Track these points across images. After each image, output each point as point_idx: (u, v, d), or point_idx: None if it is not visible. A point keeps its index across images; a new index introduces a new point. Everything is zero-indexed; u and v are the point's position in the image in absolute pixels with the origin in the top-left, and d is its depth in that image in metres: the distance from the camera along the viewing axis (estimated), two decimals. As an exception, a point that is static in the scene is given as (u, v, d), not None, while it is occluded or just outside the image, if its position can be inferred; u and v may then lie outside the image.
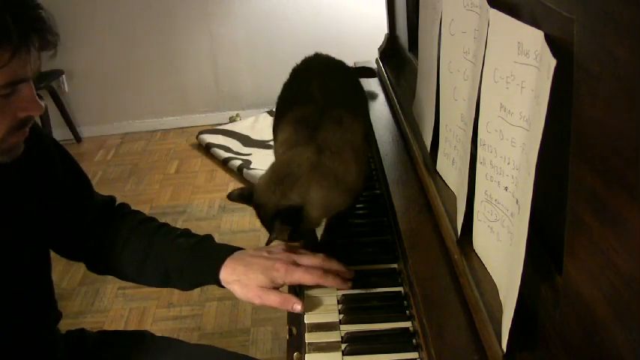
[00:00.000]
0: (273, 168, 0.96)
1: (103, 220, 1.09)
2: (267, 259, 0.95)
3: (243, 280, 0.94)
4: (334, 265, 0.95)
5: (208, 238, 1.05)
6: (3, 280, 0.93)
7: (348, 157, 0.96)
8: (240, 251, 0.99)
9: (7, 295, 0.94)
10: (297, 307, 0.92)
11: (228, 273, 0.96)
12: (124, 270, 1.08)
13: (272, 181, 0.94)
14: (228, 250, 0.99)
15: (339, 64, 1.18)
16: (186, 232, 1.07)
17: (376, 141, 1.24)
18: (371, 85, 1.56)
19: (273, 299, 0.93)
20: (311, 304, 0.94)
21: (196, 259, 1.00)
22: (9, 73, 0.78)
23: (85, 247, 1.09)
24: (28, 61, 0.81)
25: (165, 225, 1.09)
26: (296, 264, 0.94)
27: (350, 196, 0.98)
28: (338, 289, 0.97)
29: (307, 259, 0.95)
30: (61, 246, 1.09)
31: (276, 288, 0.94)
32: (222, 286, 0.98)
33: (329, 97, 1.03)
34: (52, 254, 1.06)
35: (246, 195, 0.98)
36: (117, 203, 1.15)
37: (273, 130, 1.11)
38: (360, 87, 1.17)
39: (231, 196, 1.00)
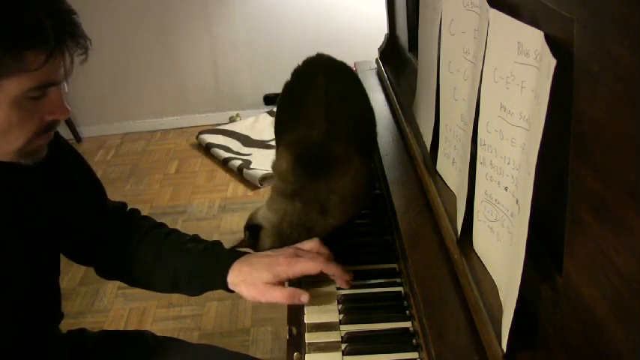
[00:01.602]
0: (274, 236, 1.00)
1: (114, 225, 1.09)
2: (271, 256, 0.96)
3: (249, 280, 0.94)
4: (323, 249, 0.96)
5: (217, 243, 1.05)
6: (12, 280, 0.93)
7: (335, 209, 0.97)
8: (246, 255, 1.00)
9: (15, 295, 0.94)
10: (304, 298, 0.92)
11: (235, 275, 0.96)
12: (134, 275, 1.08)
13: (278, 247, 0.99)
14: (235, 255, 1.00)
15: (342, 68, 1.16)
16: (196, 238, 1.07)
17: (377, 141, 1.24)
18: (371, 85, 1.56)
19: (276, 295, 0.92)
20: (311, 304, 0.94)
21: (205, 264, 1.01)
22: (42, 76, 0.79)
23: (96, 252, 1.09)
24: (61, 65, 0.82)
25: (175, 231, 1.10)
26: (298, 256, 0.94)
27: (332, 230, 1.00)
28: (338, 289, 0.97)
29: (307, 246, 0.96)
30: (72, 250, 1.09)
31: (282, 284, 0.94)
32: (231, 290, 0.98)
33: (332, 121, 1.00)
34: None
35: (247, 244, 1.04)
36: (128, 209, 1.15)
37: (276, 134, 1.11)
38: (364, 92, 1.15)
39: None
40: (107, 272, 1.12)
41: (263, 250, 1.01)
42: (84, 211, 1.05)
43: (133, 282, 1.10)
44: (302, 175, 0.98)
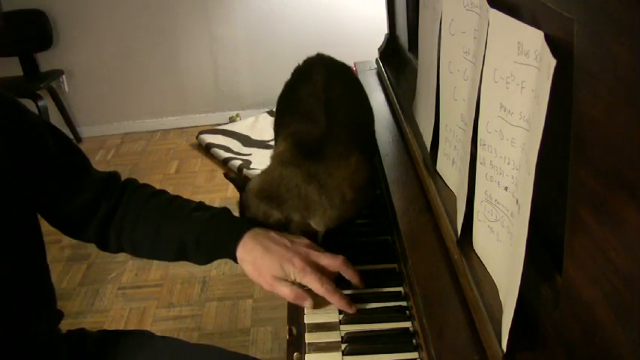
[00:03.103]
0: (264, 180, 0.98)
1: (106, 196, 1.07)
2: (287, 249, 0.93)
3: (258, 264, 0.93)
4: (350, 271, 0.94)
5: (225, 211, 1.03)
6: None
7: (334, 195, 0.96)
8: (261, 230, 0.97)
9: (2, 288, 0.93)
10: (307, 304, 0.91)
11: (246, 251, 0.94)
12: (137, 247, 1.06)
13: (261, 194, 0.97)
14: (246, 226, 0.97)
15: (342, 68, 1.15)
16: (201, 206, 1.05)
17: (376, 141, 1.24)
18: (371, 85, 1.56)
19: (284, 291, 0.91)
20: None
21: (213, 234, 0.99)
22: None
23: (91, 225, 1.07)
24: None
25: (178, 197, 1.08)
26: (313, 264, 0.92)
27: (332, 222, 0.99)
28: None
29: (327, 260, 0.93)
30: (66, 226, 1.08)
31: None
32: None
33: (332, 117, 1.00)
34: (54, 253, 1.05)
35: (239, 184, 1.03)
36: (124, 179, 1.13)
37: (274, 131, 1.11)
38: (364, 94, 1.15)
39: (227, 177, 1.06)
40: (109, 246, 1.10)
41: (248, 191, 0.98)
42: (65, 179, 1.03)
43: (137, 253, 1.08)
44: (300, 157, 0.97)
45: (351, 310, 0.91)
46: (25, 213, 0.98)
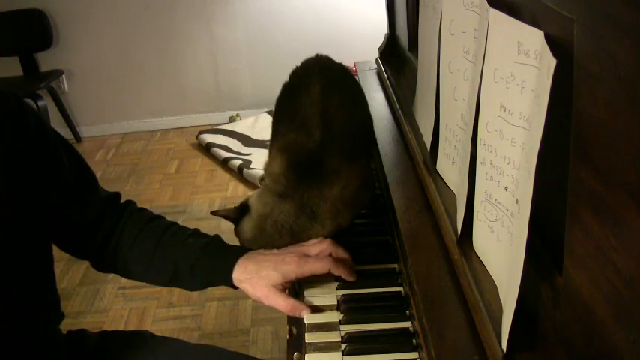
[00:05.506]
0: (257, 223, 0.99)
1: (108, 216, 1.08)
2: (277, 255, 0.96)
3: (254, 279, 0.94)
4: (341, 252, 0.97)
5: (218, 238, 1.05)
6: (2, 274, 0.92)
7: (326, 217, 0.97)
8: (251, 251, 1.00)
9: (7, 291, 0.93)
10: (305, 313, 0.92)
11: (240, 272, 0.96)
12: (131, 268, 1.07)
13: (255, 238, 1.00)
14: (240, 251, 1.00)
15: (339, 71, 1.13)
16: (196, 232, 1.07)
17: (376, 141, 1.24)
18: (371, 85, 1.56)
19: (280, 303, 0.93)
20: (311, 304, 0.94)
21: (208, 259, 1.00)
22: None
23: (91, 243, 1.08)
24: None
25: (174, 224, 1.09)
26: (306, 256, 0.95)
27: (325, 235, 1.01)
28: (338, 290, 0.97)
29: (316, 248, 0.96)
30: (66, 242, 1.08)
31: (290, 284, 0.95)
32: (234, 287, 0.98)
33: (328, 129, 0.98)
34: (54, 253, 1.06)
35: (232, 217, 1.05)
36: (123, 200, 1.14)
37: (271, 135, 1.10)
38: (362, 98, 1.14)
39: (216, 214, 1.08)
40: (103, 265, 1.11)
41: (240, 234, 1.00)
42: (75, 196, 1.04)
43: (129, 274, 1.09)
44: (294, 180, 0.97)
45: (353, 278, 0.97)
46: (37, 224, 0.99)
